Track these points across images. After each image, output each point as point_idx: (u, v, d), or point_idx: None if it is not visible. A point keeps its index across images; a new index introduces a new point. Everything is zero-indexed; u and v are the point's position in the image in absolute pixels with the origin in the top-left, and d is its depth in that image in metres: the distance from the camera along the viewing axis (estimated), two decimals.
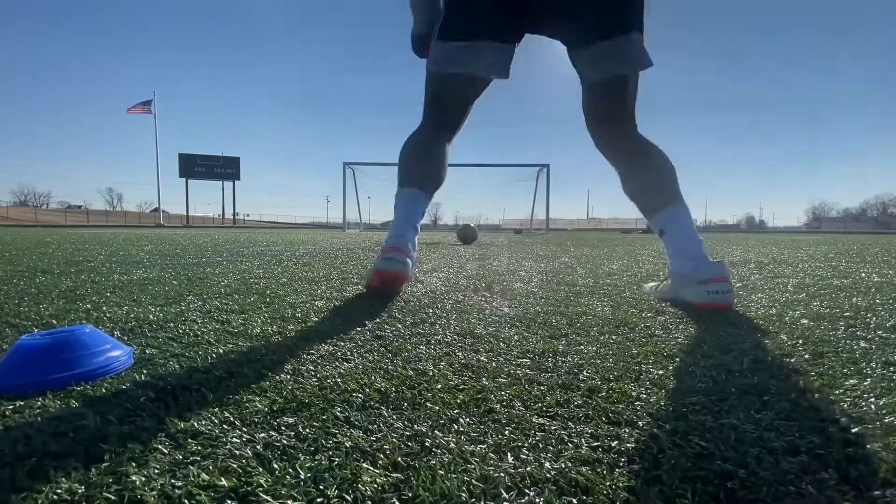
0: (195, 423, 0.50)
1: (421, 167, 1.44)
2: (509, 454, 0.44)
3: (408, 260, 1.32)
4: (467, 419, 0.52)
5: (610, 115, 1.40)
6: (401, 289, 1.39)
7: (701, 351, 0.80)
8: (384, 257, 1.31)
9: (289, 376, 0.65)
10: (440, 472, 0.41)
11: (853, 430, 0.49)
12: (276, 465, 0.42)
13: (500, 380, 0.65)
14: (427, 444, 0.46)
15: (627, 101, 1.38)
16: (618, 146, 1.43)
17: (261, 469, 0.41)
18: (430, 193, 1.45)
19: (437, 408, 0.55)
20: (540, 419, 0.52)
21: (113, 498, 0.37)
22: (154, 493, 0.38)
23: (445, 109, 1.49)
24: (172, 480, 0.39)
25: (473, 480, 0.40)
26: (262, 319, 1.01)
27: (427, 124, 1.50)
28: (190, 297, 1.28)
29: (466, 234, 5.42)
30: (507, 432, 0.49)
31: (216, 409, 0.53)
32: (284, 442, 0.46)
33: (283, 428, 0.49)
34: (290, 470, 0.41)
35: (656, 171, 1.36)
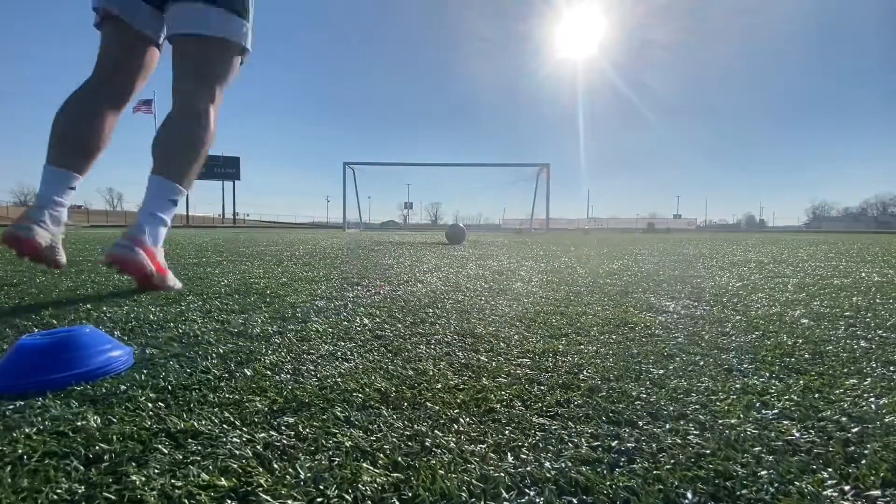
0: (195, 423, 0.50)
1: (70, 131, 1.47)
2: (509, 454, 0.44)
3: (34, 226, 1.38)
4: (467, 419, 0.52)
5: (184, 75, 1.49)
6: (31, 251, 1.37)
7: (701, 351, 0.80)
8: (17, 225, 1.38)
9: (289, 376, 0.65)
10: (440, 472, 0.41)
11: (853, 430, 0.49)
12: (276, 465, 0.42)
13: (500, 380, 0.65)
14: (427, 444, 0.46)
15: (201, 66, 1.49)
16: (177, 99, 1.48)
17: (261, 469, 0.41)
18: (76, 167, 1.47)
19: (437, 408, 0.55)
20: (540, 419, 0.52)
21: (113, 498, 0.37)
22: (154, 493, 0.38)
23: (101, 62, 1.50)
24: (172, 480, 0.39)
25: (473, 480, 0.40)
26: (262, 319, 1.01)
27: (88, 80, 1.51)
28: (190, 297, 1.28)
29: (455, 234, 5.45)
30: (507, 432, 0.49)
31: (216, 409, 0.53)
32: (284, 442, 0.46)
33: (283, 428, 0.49)
34: (290, 470, 0.41)
35: (178, 140, 1.46)
